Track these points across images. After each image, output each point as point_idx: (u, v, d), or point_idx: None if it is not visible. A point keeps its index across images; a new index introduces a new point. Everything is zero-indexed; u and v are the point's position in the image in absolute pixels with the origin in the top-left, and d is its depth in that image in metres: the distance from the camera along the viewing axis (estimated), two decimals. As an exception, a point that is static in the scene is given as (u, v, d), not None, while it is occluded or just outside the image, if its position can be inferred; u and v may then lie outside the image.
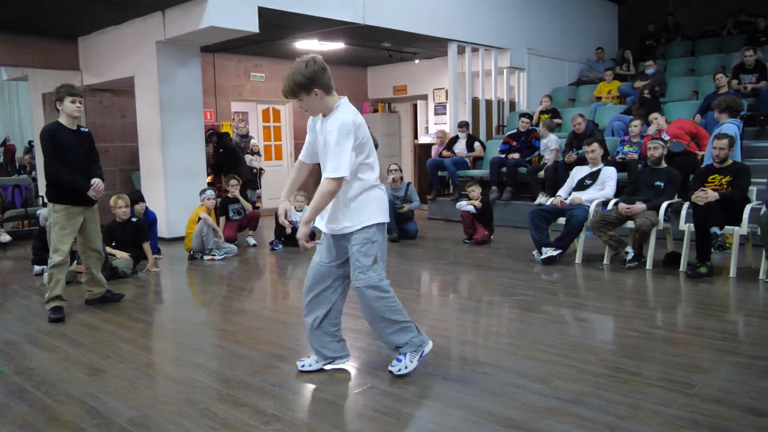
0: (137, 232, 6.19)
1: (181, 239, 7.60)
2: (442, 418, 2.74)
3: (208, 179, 9.41)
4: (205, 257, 6.86)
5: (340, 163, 2.92)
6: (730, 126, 6.32)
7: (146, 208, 6.78)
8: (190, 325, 4.51)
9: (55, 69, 9.22)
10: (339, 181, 2.96)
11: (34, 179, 9.92)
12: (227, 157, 9.71)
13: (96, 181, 4.61)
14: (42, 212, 6.33)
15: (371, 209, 3.11)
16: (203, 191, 7.18)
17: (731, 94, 7.90)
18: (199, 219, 6.87)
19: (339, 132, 2.93)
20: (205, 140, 8.90)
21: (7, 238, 7.82)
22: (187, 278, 6.26)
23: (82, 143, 4.65)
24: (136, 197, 6.72)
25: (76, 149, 4.57)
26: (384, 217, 3.16)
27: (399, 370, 3.19)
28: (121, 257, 5.97)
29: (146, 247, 6.23)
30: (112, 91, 9.60)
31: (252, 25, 7.26)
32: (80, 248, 4.87)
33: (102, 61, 8.89)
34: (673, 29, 12.42)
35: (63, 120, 4.56)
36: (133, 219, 6.21)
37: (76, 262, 5.79)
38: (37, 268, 6.09)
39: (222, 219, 7.44)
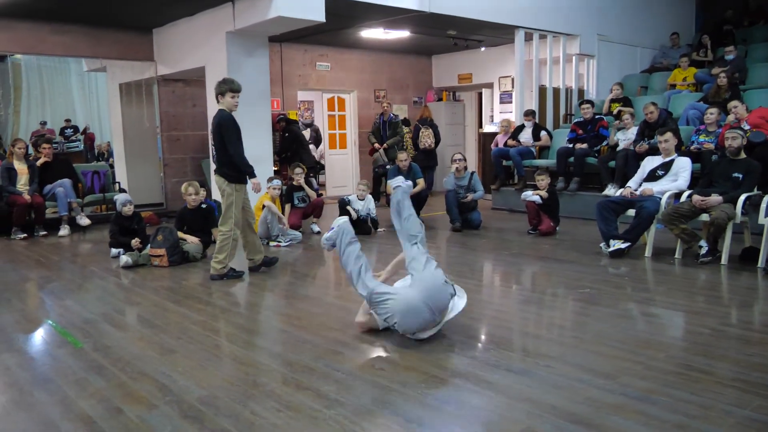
0: (206, 218, 6.39)
1: (247, 225, 7.78)
2: (505, 410, 2.72)
3: (274, 168, 9.61)
4: (271, 243, 7.02)
5: None
6: None
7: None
8: (255, 310, 4.63)
9: (131, 60, 9.62)
10: None
11: (112, 166, 10.38)
12: (291, 143, 9.87)
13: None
14: (119, 198, 6.60)
15: None
16: (270, 179, 7.33)
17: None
18: (264, 207, 7.03)
19: None
20: (273, 126, 9.06)
21: (87, 221, 8.24)
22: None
23: None
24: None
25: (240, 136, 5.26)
26: None
27: None
28: (192, 242, 6.18)
29: (216, 232, 6.41)
30: (184, 81, 9.91)
31: (318, 15, 7.33)
32: (242, 220, 5.41)
33: (175, 52, 9.18)
34: (754, 12, 11.76)
35: (227, 110, 5.19)
36: (203, 206, 6.41)
37: (150, 246, 6.03)
38: (114, 251, 6.37)
39: (287, 206, 7.58)
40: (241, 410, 2.77)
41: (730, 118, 7.19)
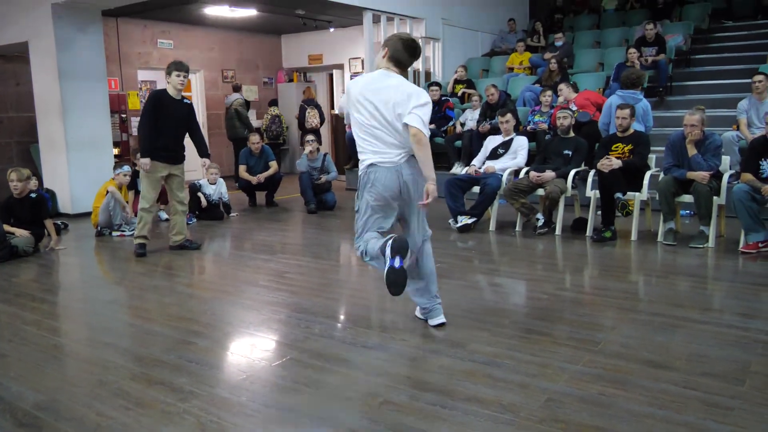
0: (37, 209, 5.84)
1: (86, 215, 7.25)
2: (361, 385, 2.77)
3: (116, 151, 9.00)
4: (114, 233, 6.57)
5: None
6: (613, 97, 6.66)
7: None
8: (99, 304, 4.33)
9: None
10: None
11: None
12: None
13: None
14: None
15: None
16: (120, 166, 6.85)
17: (634, 68, 8.25)
18: (108, 192, 6.56)
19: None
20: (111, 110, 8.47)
21: None
22: (95, 255, 5.99)
23: (181, 111, 5.48)
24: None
25: (173, 115, 5.40)
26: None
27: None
28: (21, 235, 5.62)
29: (49, 223, 5.91)
30: (4, 56, 8.95)
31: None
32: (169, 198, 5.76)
33: (-9, 25, 8.24)
34: (579, 2, 12.79)
35: (170, 90, 5.41)
36: (32, 195, 5.85)
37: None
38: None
39: (131, 193, 7.11)
40: (86, 412, 2.58)
41: (560, 99, 7.80)
